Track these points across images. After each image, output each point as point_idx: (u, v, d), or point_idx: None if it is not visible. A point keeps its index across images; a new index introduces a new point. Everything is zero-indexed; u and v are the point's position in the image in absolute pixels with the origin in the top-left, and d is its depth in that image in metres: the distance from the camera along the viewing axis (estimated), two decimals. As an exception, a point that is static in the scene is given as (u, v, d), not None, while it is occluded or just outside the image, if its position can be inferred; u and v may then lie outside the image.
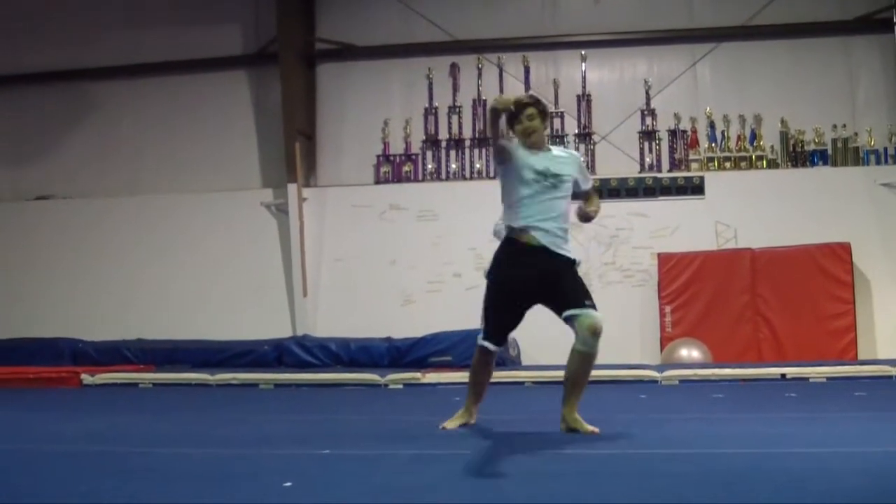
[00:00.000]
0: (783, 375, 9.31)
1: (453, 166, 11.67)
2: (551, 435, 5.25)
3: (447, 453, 4.59)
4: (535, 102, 5.20)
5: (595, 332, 4.96)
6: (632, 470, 3.97)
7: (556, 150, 5.30)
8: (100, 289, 12.14)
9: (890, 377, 9.19)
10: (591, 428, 4.97)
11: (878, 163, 11.12)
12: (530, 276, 5.05)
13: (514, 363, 10.85)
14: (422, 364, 10.40)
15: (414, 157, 11.76)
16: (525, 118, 5.08)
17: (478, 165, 11.68)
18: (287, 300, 11.71)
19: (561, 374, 8.47)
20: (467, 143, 11.73)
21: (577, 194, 5.21)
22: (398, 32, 11.95)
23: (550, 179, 5.05)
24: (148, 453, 4.73)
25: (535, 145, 5.15)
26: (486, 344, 5.36)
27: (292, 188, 11.55)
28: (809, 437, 5.08)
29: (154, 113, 12.48)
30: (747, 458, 4.20)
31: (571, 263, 5.11)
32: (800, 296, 10.68)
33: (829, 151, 11.18)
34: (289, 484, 3.62)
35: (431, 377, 9.72)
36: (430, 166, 11.71)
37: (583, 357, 5.05)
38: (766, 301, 10.78)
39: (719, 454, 4.38)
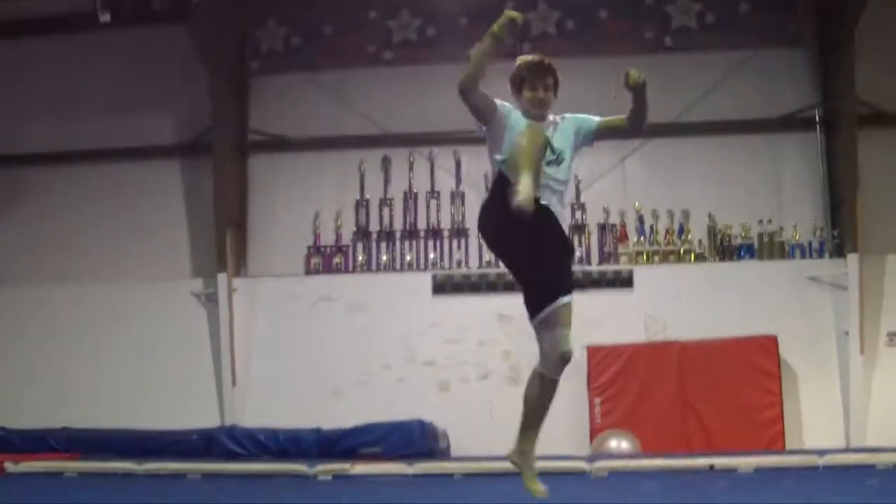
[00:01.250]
0: (712, 466, 10.23)
1: (384, 258, 12.74)
2: None
3: None
4: (554, 70, 5.10)
5: (566, 362, 5.10)
6: None
7: (552, 117, 5.20)
8: (26, 376, 12.85)
9: (817, 467, 10.14)
10: (542, 489, 5.06)
11: (803, 256, 12.39)
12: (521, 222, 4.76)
13: (444, 454, 11.83)
14: (351, 455, 11.24)
15: (345, 248, 12.81)
16: (541, 87, 5.07)
17: (408, 258, 12.72)
18: (216, 390, 12.57)
19: (492, 465, 9.58)
20: (398, 234, 12.82)
21: (600, 132, 5.30)
22: (330, 125, 13.10)
23: (550, 156, 5.00)
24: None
25: (538, 116, 5.09)
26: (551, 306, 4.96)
27: (222, 278, 12.48)
28: None
29: (84, 201, 13.41)
30: None
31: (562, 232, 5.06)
32: (728, 387, 11.80)
33: (756, 245, 12.44)
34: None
35: (361, 468, 10.50)
36: (360, 258, 12.77)
37: (549, 384, 5.21)
38: (695, 392, 11.83)
39: None
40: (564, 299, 5.06)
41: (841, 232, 12.38)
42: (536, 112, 5.09)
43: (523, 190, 4.65)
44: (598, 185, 12.84)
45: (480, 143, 12.47)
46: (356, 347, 12.52)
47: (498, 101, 5.10)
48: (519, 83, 5.12)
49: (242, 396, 12.62)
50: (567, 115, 5.31)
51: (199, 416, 12.32)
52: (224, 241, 12.67)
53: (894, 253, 12.39)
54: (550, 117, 5.18)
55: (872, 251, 12.22)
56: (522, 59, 5.20)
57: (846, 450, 11.56)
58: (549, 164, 5.00)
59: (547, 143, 4.97)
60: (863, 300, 11.93)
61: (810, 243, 12.54)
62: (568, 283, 5.14)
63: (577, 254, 12.55)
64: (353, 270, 12.89)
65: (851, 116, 12.19)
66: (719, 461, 10.39)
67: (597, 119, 5.30)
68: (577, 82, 13.06)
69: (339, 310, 12.63)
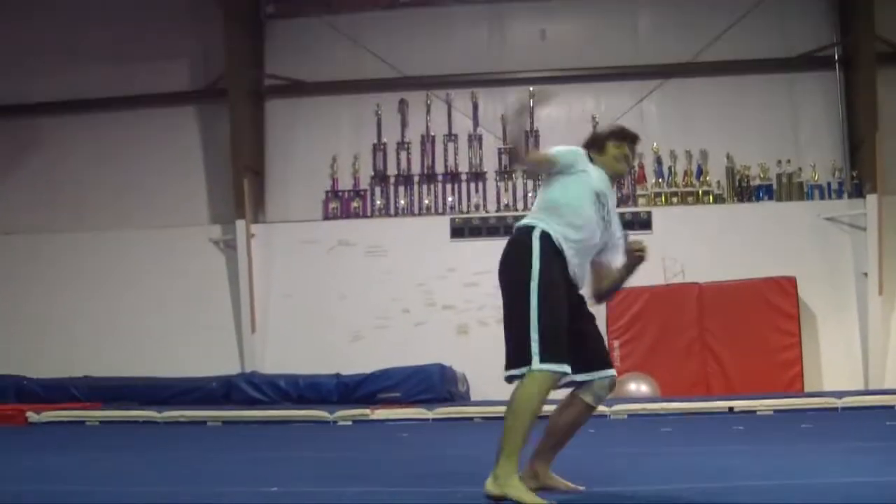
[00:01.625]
0: (731, 409, 10.67)
1: (402, 202, 13.08)
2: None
3: (397, 490, 5.07)
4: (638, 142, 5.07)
5: (612, 389, 4.85)
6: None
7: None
8: (45, 325, 13.32)
9: (835, 409, 10.57)
10: (571, 485, 4.81)
11: (821, 197, 12.69)
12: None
13: (463, 398, 12.25)
14: (371, 400, 11.65)
15: (362, 192, 13.16)
16: (629, 149, 5.04)
17: (426, 201, 13.06)
18: (235, 336, 12.98)
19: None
20: (416, 178, 13.14)
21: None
22: (347, 69, 13.39)
23: (602, 213, 4.82)
24: (93, 492, 5.25)
25: (617, 173, 5.05)
26: (557, 367, 4.46)
27: (240, 224, 12.84)
28: (757, 469, 5.61)
29: (100, 149, 13.78)
30: (696, 492, 4.71)
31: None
32: (747, 329, 12.12)
33: (775, 186, 12.76)
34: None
35: (380, 414, 10.91)
36: (378, 202, 13.11)
37: (589, 412, 4.84)
38: (714, 335, 12.19)
39: (670, 490, 4.86)
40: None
41: (860, 172, 12.63)
42: (621, 168, 5.03)
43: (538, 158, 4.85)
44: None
45: (497, 85, 13.12)
46: (375, 292, 12.88)
47: (568, 152, 4.87)
48: (604, 139, 5.03)
49: (262, 343, 13.01)
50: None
51: (218, 363, 12.73)
52: (241, 188, 12.97)
53: (914, 192, 12.70)
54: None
55: (891, 192, 12.47)
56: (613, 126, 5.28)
57: (865, 391, 11.86)
58: (600, 222, 4.81)
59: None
60: (882, 241, 12.18)
61: (829, 184, 12.81)
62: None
63: None
64: (371, 215, 13.21)
65: (870, 55, 12.39)
66: (738, 403, 10.81)
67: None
68: (578, 17, 13.66)
69: (358, 254, 12.99)
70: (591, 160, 4.92)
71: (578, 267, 4.69)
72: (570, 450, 7.05)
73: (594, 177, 4.84)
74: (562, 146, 4.89)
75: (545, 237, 4.61)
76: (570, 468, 5.25)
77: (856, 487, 4.78)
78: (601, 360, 4.75)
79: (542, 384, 4.43)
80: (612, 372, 4.76)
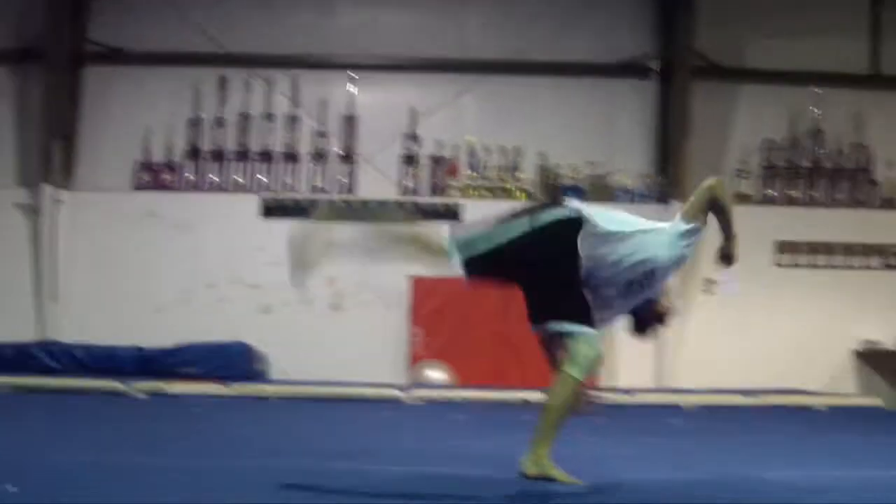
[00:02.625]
0: (525, 401, 12.78)
1: (214, 178, 15.31)
2: (287, 448, 7.00)
3: (177, 462, 5.82)
4: None
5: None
6: (368, 484, 5.28)
7: None
8: None
9: (625, 405, 13.00)
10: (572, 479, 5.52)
11: (630, 201, 15.36)
12: None
13: (263, 377, 14.55)
14: (170, 374, 13.63)
15: (175, 166, 15.34)
16: None
17: (240, 180, 15.33)
18: (34, 303, 14.95)
19: (308, 389, 12.55)
20: (230, 155, 15.37)
21: None
22: (170, 41, 15.49)
23: None
24: None
25: None
26: None
27: (47, 189, 14.85)
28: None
29: None
30: (471, 480, 5.70)
31: None
32: None
33: (585, 187, 15.56)
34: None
35: (177, 388, 12.87)
36: (190, 176, 15.30)
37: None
38: (514, 328, 15.17)
39: (455, 475, 5.87)
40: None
41: (668, 180, 15.52)
42: None
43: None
44: (434, 117, 15.74)
45: (320, 69, 15.89)
46: (181, 266, 15.06)
47: None
48: None
49: (63, 311, 14.99)
50: None
51: (15, 329, 14.63)
52: (50, 152, 15.06)
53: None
54: None
55: None
56: None
57: (655, 389, 14.58)
58: None
59: None
60: None
61: (638, 189, 15.76)
62: None
63: (408, 185, 15.68)
64: (182, 189, 15.43)
65: (686, 67, 15.27)
66: (533, 396, 12.49)
67: None
68: (407, 6, 16.44)
69: (166, 227, 15.15)
70: None
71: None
72: (363, 434, 8.71)
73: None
74: None
75: None
76: (363, 447, 7.01)
77: (645, 484, 5.77)
78: None
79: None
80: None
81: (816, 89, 16.05)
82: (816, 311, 15.47)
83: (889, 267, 15.88)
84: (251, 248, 15.17)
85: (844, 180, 16.15)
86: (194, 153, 15.71)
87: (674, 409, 12.77)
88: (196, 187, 15.66)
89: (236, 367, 14.22)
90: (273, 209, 15.44)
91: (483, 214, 14.28)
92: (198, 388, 12.98)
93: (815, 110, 16.12)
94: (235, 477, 5.40)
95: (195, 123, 15.76)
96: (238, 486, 5.11)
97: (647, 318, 6.01)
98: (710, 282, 15.15)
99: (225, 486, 5.10)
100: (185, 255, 15.30)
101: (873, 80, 16.23)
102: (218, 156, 15.70)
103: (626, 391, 13.78)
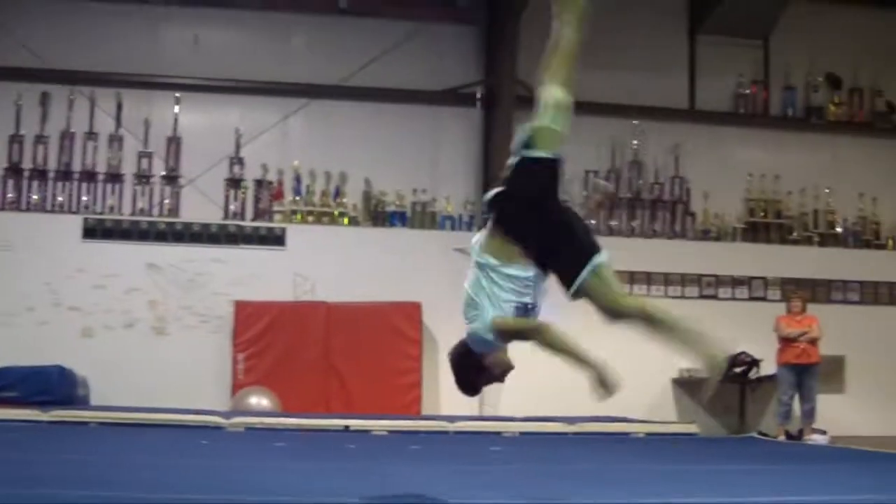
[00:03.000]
0: (347, 427, 14.18)
1: (35, 197, 16.19)
2: (111, 475, 7.56)
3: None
4: None
5: None
6: None
7: None
8: None
9: (447, 432, 14.30)
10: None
11: (453, 228, 16.90)
12: None
13: (83, 402, 15.43)
14: None
15: None
16: None
17: (60, 199, 16.20)
18: None
19: (129, 415, 13.55)
20: (51, 174, 16.26)
21: None
22: None
23: None
24: None
25: None
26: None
27: None
28: (353, 486, 7.34)
29: None
30: None
31: None
32: (371, 351, 15.95)
33: (409, 214, 16.84)
34: None
35: None
36: (10, 195, 16.12)
37: None
38: (339, 354, 15.93)
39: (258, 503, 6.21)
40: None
41: None
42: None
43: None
44: (258, 140, 16.96)
45: (144, 88, 17.25)
46: None
47: None
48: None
49: None
50: None
51: None
52: None
53: (537, 230, 17.59)
54: None
55: None
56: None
57: (477, 417, 15.83)
58: None
59: None
60: None
61: (460, 216, 17.14)
62: None
63: (232, 208, 16.84)
64: (2, 208, 16.27)
65: (510, 96, 16.67)
66: (354, 422, 14.37)
67: None
68: (232, 28, 17.67)
69: None
70: None
71: None
72: (176, 459, 9.48)
73: None
74: None
75: None
76: (153, 476, 7.58)
77: None
78: None
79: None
80: None
81: (636, 122, 17.90)
82: (637, 340, 17.17)
83: (704, 297, 17.74)
84: (73, 270, 16.23)
85: (663, 211, 17.99)
86: (14, 171, 16.63)
87: (494, 437, 14.09)
88: (16, 206, 16.61)
89: (55, 391, 15.09)
90: (95, 230, 16.48)
91: (307, 240, 15.91)
92: (14, 414, 13.86)
93: (635, 142, 17.95)
94: None
95: (15, 140, 16.70)
96: None
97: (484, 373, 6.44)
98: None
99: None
100: (4, 277, 16.16)
101: (691, 115, 18.19)
102: (39, 174, 16.65)
103: (449, 419, 15.05)
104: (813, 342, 15.36)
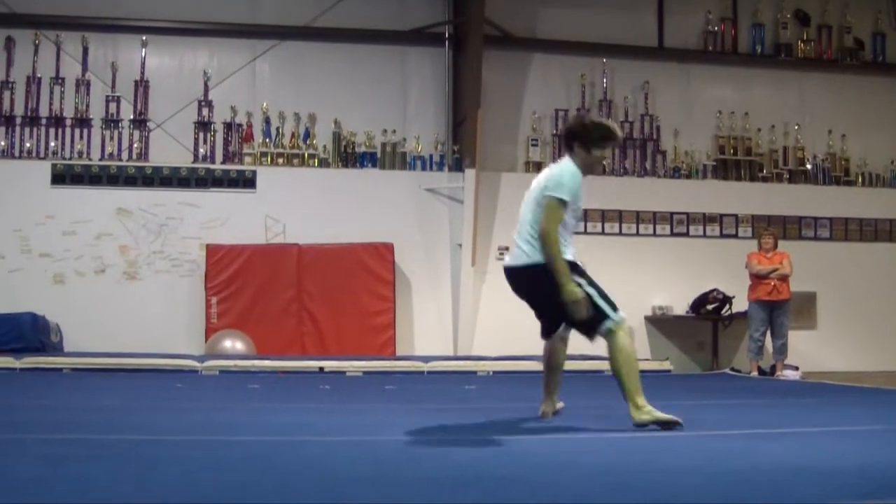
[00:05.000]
0: (321, 369, 14.40)
1: (2, 143, 16.12)
2: (86, 418, 7.55)
3: None
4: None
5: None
6: (142, 455, 5.46)
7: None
8: None
9: (422, 372, 14.53)
10: (561, 404, 7.79)
11: (423, 168, 17.05)
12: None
13: (56, 349, 15.49)
14: None
15: None
16: (607, 151, 7.33)
17: (28, 145, 16.19)
18: None
19: (102, 360, 13.71)
20: (18, 120, 16.25)
21: None
22: None
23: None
24: None
25: (587, 173, 7.22)
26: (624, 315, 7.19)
27: None
28: (328, 426, 7.20)
29: None
30: (261, 445, 5.97)
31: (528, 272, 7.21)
32: (344, 292, 16.13)
33: (379, 155, 16.97)
34: None
35: None
36: None
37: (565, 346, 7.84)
38: (312, 296, 16.07)
39: (234, 441, 6.11)
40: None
41: (461, 148, 17.05)
42: (597, 171, 7.74)
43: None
44: (227, 83, 16.99)
45: (110, 31, 17.18)
46: None
47: (566, 195, 7.19)
48: (591, 141, 7.16)
49: None
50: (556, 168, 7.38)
51: None
52: None
53: (508, 171, 17.32)
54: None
55: (488, 168, 16.92)
56: (605, 123, 7.49)
57: (451, 357, 16.13)
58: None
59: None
60: (477, 215, 16.53)
61: (430, 156, 17.29)
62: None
63: (202, 151, 16.85)
64: None
65: (479, 36, 16.73)
66: (329, 363, 14.63)
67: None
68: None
69: None
70: (572, 151, 7.28)
71: (572, 247, 7.23)
72: (153, 401, 9.49)
73: (577, 190, 7.20)
74: (568, 193, 7.24)
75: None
76: (144, 419, 7.52)
77: (418, 445, 6.33)
78: None
79: (625, 334, 7.06)
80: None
81: (604, 60, 18.00)
82: (610, 278, 17.22)
83: (676, 234, 17.96)
84: (42, 217, 16.34)
85: (633, 149, 18.16)
86: (-20, 118, 16.22)
87: (469, 376, 14.23)
88: (-17, 154, 16.18)
89: (27, 339, 15.17)
90: (64, 176, 16.53)
91: (277, 182, 15.89)
92: None
93: (605, 81, 18.04)
94: (18, 451, 5.70)
95: (-20, 87, 16.27)
96: (22, 459, 5.36)
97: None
98: (505, 249, 16.77)
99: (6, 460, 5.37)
100: (-28, 225, 15.79)
101: (660, 53, 18.37)
102: (6, 121, 16.63)
103: (424, 359, 15.36)
104: (784, 279, 15.52)
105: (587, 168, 7.17)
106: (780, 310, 15.57)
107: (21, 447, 5.84)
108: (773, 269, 15.40)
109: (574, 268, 7.06)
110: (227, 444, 6.10)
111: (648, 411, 6.86)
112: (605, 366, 9.51)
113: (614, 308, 6.98)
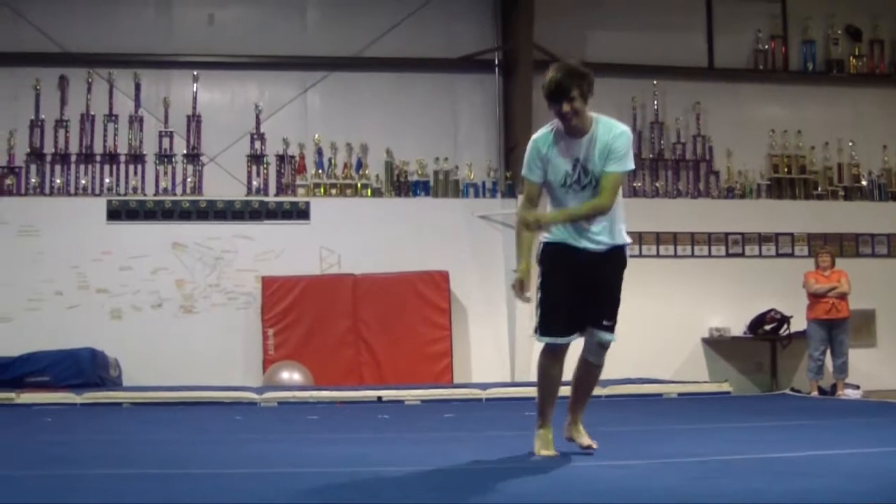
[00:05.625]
0: (379, 398, 14.38)
1: (58, 181, 16.34)
2: (146, 452, 7.57)
3: (30, 473, 6.20)
4: (566, 89, 6.36)
5: (603, 346, 6.75)
6: (202, 489, 5.52)
7: (602, 129, 6.48)
8: None
9: (480, 399, 14.43)
10: (588, 441, 6.92)
11: (476, 196, 17.12)
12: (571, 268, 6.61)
13: (115, 383, 15.59)
14: (19, 384, 14.61)
15: (17, 170, 16.32)
16: (564, 104, 6.41)
17: (83, 182, 16.35)
18: None
19: (160, 395, 13.61)
20: (73, 158, 16.40)
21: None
22: (5, 40, 16.48)
23: (581, 180, 6.48)
24: None
25: (574, 131, 6.41)
26: (547, 340, 6.67)
27: None
28: (389, 456, 7.24)
29: None
30: (321, 476, 6.01)
31: (607, 257, 6.73)
32: (400, 321, 16.19)
33: (431, 183, 17.05)
34: None
35: (27, 397, 13.89)
36: (33, 180, 16.31)
37: (590, 367, 6.92)
38: (368, 326, 16.14)
39: (296, 473, 6.18)
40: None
41: (513, 173, 17.01)
42: (566, 126, 6.45)
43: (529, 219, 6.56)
44: (278, 115, 17.10)
45: (161, 67, 17.38)
46: (27, 273, 16.10)
47: (535, 168, 6.67)
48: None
49: None
50: (603, 121, 6.64)
51: None
52: None
53: (561, 196, 17.68)
54: (600, 129, 6.53)
55: None
56: (544, 82, 6.58)
57: (509, 384, 16.03)
58: (576, 191, 6.54)
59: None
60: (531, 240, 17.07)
61: (483, 183, 17.34)
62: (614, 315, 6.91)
63: (255, 184, 17.00)
64: (26, 193, 16.46)
65: (528, 61, 16.78)
66: (387, 393, 14.62)
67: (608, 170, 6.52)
68: (247, 4, 17.82)
69: (10, 234, 16.20)
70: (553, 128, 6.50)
71: (568, 222, 6.61)
72: (213, 434, 9.58)
73: (555, 153, 6.48)
74: (524, 168, 6.79)
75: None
76: (204, 452, 7.60)
77: (484, 473, 6.36)
78: (594, 321, 6.69)
79: (542, 353, 6.77)
80: (602, 333, 6.74)
81: (655, 81, 18.00)
82: (665, 301, 17.27)
83: (731, 255, 17.88)
84: (98, 252, 16.48)
85: (686, 171, 18.13)
86: (37, 156, 16.80)
87: (527, 403, 13.79)
88: (40, 191, 16.76)
89: (86, 374, 15.22)
90: (119, 212, 16.72)
91: (331, 213, 15.97)
92: (48, 398, 14.06)
93: (655, 103, 18.05)
94: (82, 486, 5.75)
95: (37, 125, 16.86)
96: (86, 495, 5.43)
97: None
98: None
99: (71, 495, 5.41)
100: (31, 262, 16.37)
101: (710, 73, 18.35)
102: (62, 158, 16.82)
103: (482, 386, 15.29)
104: (842, 297, 15.41)
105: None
106: (839, 328, 15.45)
107: (84, 482, 5.88)
108: (830, 287, 15.28)
109: (553, 259, 6.75)
110: (288, 476, 6.12)
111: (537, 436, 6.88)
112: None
113: (541, 330, 6.76)
